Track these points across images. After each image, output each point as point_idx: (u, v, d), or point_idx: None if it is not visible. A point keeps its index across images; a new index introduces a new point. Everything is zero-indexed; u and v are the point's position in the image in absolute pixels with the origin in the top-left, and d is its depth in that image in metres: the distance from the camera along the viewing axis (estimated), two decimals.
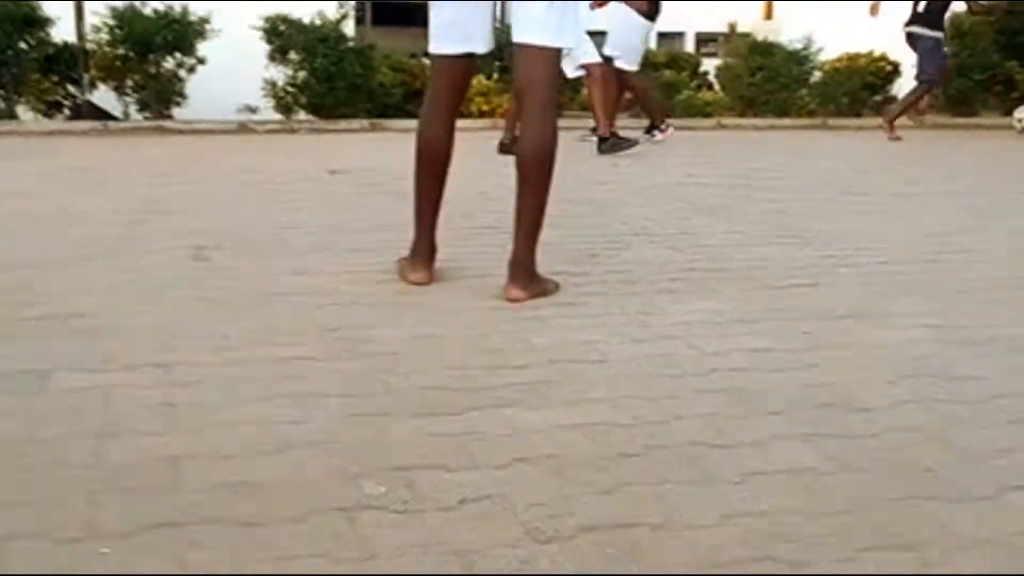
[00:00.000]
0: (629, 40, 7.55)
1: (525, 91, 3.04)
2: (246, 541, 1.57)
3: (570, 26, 3.02)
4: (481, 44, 3.13)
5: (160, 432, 1.98)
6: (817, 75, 11.47)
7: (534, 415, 2.13)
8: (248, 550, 1.54)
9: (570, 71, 6.83)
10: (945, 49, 9.66)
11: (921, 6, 9.20)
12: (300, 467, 1.84)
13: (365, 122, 9.02)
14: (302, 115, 9.34)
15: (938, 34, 9.29)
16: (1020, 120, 9.74)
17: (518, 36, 3.02)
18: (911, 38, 9.32)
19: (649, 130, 8.14)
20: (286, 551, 1.55)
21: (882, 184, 5.99)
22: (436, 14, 3.13)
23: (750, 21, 17.27)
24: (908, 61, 12.85)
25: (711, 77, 12.51)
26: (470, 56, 3.14)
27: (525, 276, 3.02)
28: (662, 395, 2.27)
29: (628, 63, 7.57)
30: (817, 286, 3.33)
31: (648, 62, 14.38)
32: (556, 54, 3.02)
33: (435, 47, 3.15)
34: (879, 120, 9.55)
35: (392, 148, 6.60)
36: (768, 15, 18.73)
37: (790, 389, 2.31)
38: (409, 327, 2.73)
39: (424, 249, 3.24)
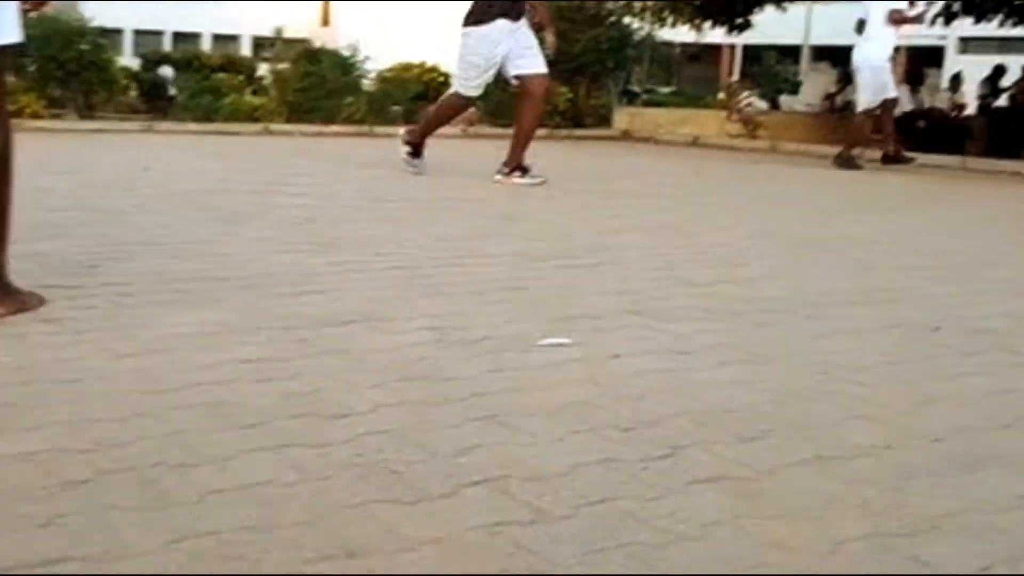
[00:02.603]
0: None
1: None
2: None
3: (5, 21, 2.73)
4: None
5: None
6: (369, 83, 11.70)
7: None
8: None
9: None
10: None
11: None
12: None
13: None
14: None
15: None
16: None
17: None
18: None
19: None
20: None
21: (416, 191, 6.17)
22: None
23: (308, 27, 17.34)
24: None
25: (267, 82, 12.43)
26: None
27: None
28: (134, 414, 2.14)
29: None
30: (326, 292, 3.33)
31: (202, 64, 14.04)
32: None
33: None
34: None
35: None
36: (325, 21, 18.92)
37: (271, 400, 2.26)
38: None
39: None
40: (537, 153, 6.90)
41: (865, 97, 9.78)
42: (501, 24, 6.48)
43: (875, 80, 9.62)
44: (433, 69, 13.54)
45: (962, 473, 2.11)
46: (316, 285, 3.42)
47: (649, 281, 3.85)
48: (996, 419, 2.47)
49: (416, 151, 6.98)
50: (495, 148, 7.35)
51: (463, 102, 7.20)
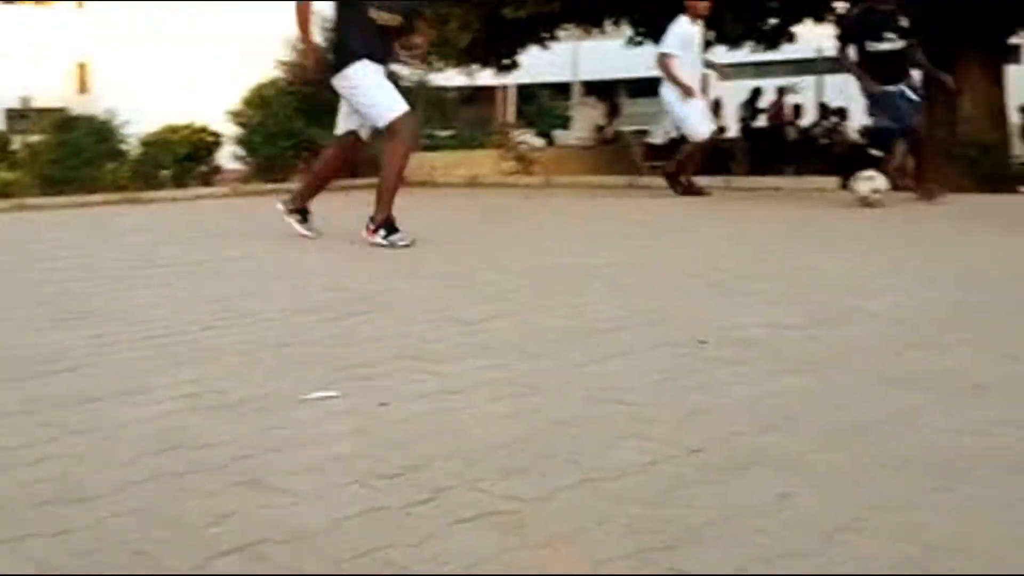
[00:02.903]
0: None
1: None
2: None
3: None
4: None
5: None
6: (133, 148, 11.32)
7: None
8: None
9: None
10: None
11: None
12: None
13: None
14: None
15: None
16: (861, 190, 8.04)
17: None
18: None
19: None
20: None
21: (180, 255, 5.94)
22: None
23: (64, 95, 16.70)
24: (228, 132, 13.21)
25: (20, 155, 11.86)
26: None
27: None
28: None
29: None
30: (77, 369, 3.14)
31: None
32: None
33: None
34: (199, 190, 9.60)
35: None
36: (83, 88, 18.24)
37: (8, 491, 2.09)
38: None
39: None
40: (313, 207, 6.75)
41: (692, 129, 9.60)
42: (365, 63, 6.04)
43: (692, 113, 9.55)
44: (203, 129, 13.23)
45: (725, 480, 2.15)
46: (67, 362, 3.22)
47: (422, 324, 3.81)
48: (759, 424, 2.54)
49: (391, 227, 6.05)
50: (263, 206, 7.21)
51: (408, 130, 6.20)
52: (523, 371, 3.10)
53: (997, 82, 12.00)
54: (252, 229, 6.89)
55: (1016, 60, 20.93)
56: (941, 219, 7.68)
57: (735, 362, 3.17)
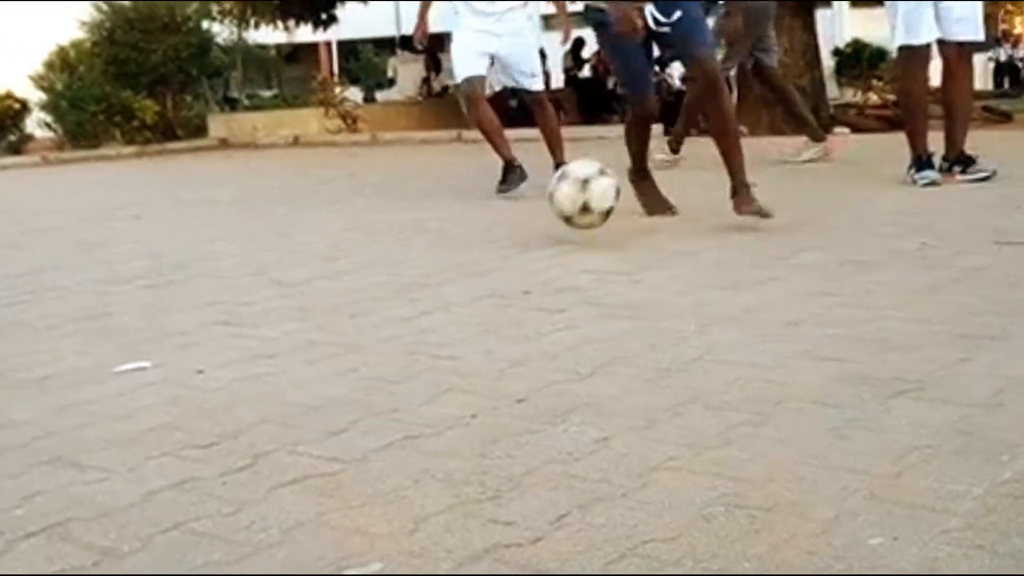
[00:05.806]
0: None
1: None
2: None
3: None
4: None
5: None
6: None
7: None
8: None
9: None
10: None
11: None
12: None
13: None
14: None
15: None
16: None
17: None
18: None
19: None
20: None
21: None
22: None
23: None
24: (35, 98, 12.58)
25: None
26: None
27: None
28: None
29: None
30: None
31: None
32: None
33: None
34: (4, 160, 9.08)
35: None
36: None
37: None
38: None
39: None
40: (125, 175, 6.52)
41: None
42: None
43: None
44: (7, 95, 12.62)
45: (544, 428, 2.16)
46: None
47: (240, 289, 3.72)
48: (579, 370, 2.56)
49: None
50: (74, 173, 6.91)
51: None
52: (342, 331, 3.06)
53: (809, 27, 12.36)
54: (59, 199, 6.60)
55: (827, 4, 21.63)
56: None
57: (557, 310, 3.19)
